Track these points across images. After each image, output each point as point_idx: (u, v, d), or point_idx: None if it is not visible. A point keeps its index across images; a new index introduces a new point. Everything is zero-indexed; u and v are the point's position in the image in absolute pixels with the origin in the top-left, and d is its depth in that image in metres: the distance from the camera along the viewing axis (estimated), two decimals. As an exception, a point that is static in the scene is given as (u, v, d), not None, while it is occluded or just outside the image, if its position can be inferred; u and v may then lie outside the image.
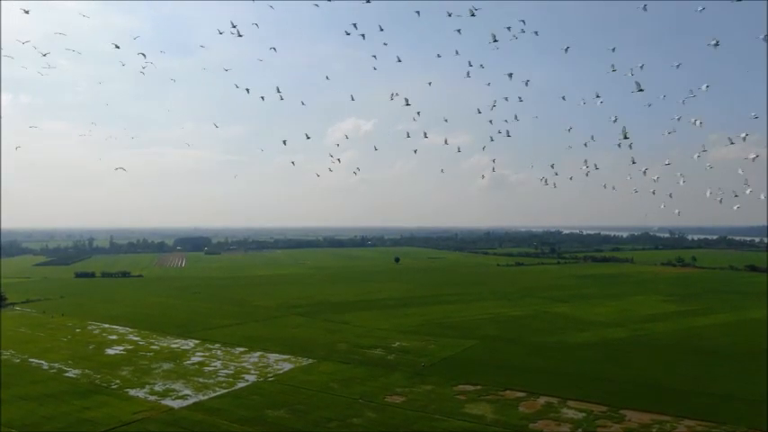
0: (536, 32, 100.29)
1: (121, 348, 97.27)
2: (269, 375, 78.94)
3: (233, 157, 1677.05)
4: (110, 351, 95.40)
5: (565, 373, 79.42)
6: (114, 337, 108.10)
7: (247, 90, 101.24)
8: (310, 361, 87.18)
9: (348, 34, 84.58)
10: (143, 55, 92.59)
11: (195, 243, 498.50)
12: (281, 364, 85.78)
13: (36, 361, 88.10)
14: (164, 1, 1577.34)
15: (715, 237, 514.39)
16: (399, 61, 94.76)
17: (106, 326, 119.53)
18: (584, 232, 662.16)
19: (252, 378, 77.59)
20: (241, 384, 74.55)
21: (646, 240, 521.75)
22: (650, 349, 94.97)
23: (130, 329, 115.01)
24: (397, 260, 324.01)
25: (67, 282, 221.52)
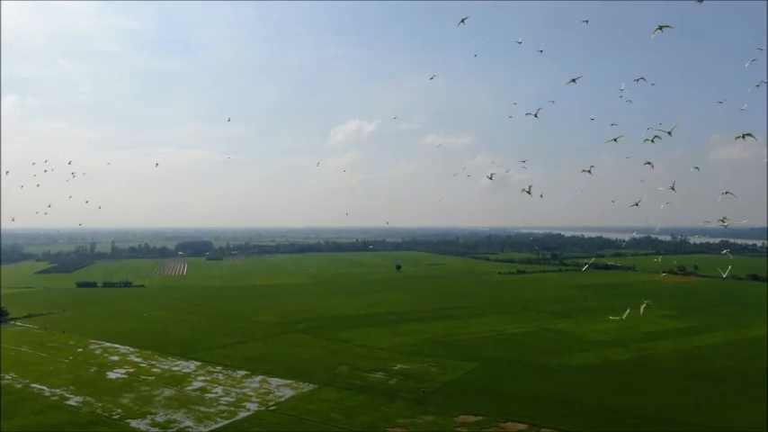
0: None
1: (123, 372, 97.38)
2: (270, 404, 78.98)
3: (234, 158, 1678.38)
4: (111, 375, 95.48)
5: (566, 400, 79.29)
6: (116, 358, 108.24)
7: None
8: (311, 387, 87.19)
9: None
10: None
11: (197, 248, 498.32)
12: (283, 390, 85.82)
13: (38, 386, 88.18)
14: (165, 1, 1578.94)
15: (717, 240, 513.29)
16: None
17: (108, 345, 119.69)
18: (586, 235, 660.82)
19: (253, 407, 77.62)
20: (242, 414, 74.58)
21: (647, 244, 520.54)
22: (651, 374, 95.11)
23: (132, 349, 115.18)
24: (398, 267, 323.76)
25: (69, 292, 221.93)
